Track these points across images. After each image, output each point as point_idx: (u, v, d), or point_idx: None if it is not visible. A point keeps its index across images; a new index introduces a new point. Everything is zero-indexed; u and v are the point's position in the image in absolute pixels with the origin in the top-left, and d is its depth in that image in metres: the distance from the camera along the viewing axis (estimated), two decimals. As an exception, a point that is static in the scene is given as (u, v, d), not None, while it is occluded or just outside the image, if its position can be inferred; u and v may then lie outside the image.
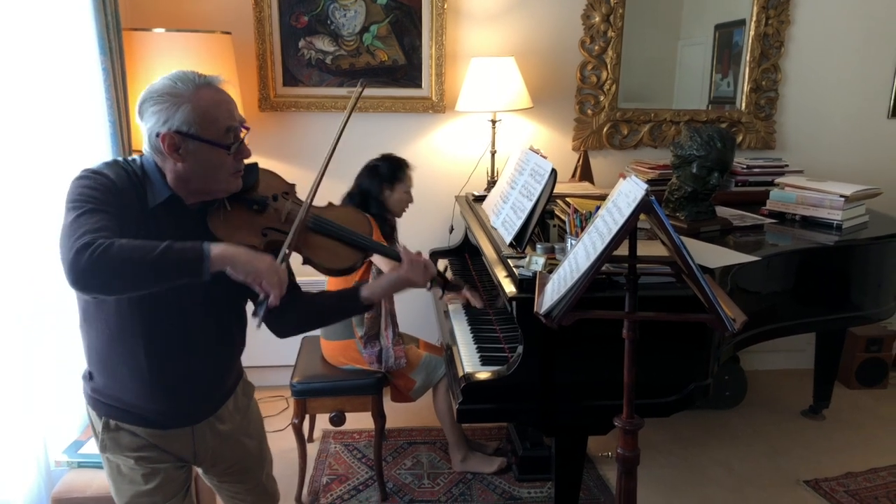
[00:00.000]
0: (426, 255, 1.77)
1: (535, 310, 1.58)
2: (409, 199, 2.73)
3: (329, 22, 3.23)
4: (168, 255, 1.23)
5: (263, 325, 1.46)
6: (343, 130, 1.66)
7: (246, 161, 1.49)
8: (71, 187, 1.34)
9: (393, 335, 2.62)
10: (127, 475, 1.56)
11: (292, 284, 1.60)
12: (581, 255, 1.53)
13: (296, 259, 1.55)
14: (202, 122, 1.38)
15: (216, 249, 1.27)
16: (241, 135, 1.45)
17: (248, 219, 1.51)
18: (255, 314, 1.35)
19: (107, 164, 1.41)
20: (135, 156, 1.47)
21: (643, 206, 1.38)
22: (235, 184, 1.48)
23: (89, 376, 1.55)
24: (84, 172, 1.37)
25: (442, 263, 3.20)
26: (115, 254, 1.20)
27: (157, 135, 1.38)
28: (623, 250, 1.48)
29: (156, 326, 1.45)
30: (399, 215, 2.73)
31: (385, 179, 2.65)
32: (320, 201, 1.70)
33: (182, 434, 1.58)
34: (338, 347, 2.67)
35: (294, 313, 1.60)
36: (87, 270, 1.19)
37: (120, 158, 1.46)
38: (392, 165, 2.69)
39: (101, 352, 1.49)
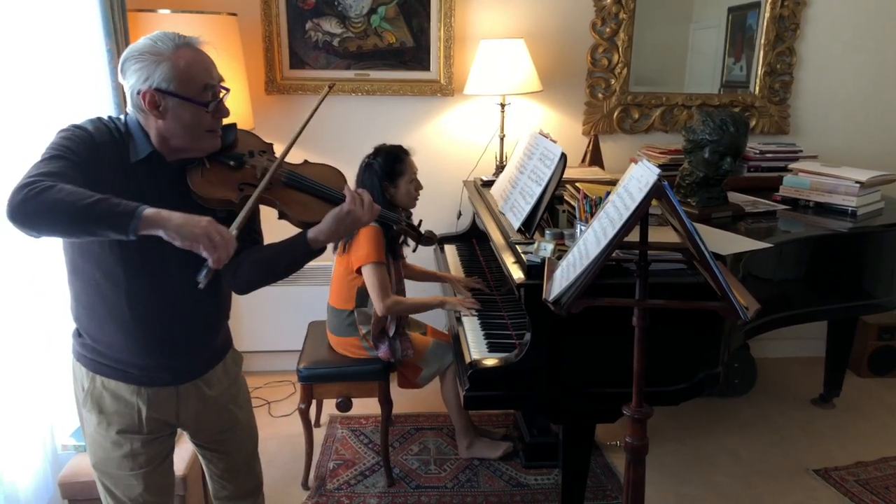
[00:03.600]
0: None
1: (543, 297, 1.55)
2: (418, 187, 2.57)
3: (336, 3, 3.18)
4: (100, 205, 1.25)
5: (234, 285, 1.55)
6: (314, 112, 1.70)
7: (225, 121, 1.54)
8: (54, 137, 1.40)
9: (397, 328, 2.57)
10: (97, 438, 1.60)
11: (251, 238, 1.63)
12: (591, 241, 1.51)
13: (271, 213, 1.60)
14: (181, 79, 1.43)
15: (150, 211, 1.27)
16: (220, 94, 1.50)
17: (225, 175, 1.55)
18: (197, 277, 1.35)
19: (90, 120, 1.47)
20: (122, 115, 1.53)
21: (655, 192, 1.35)
22: (213, 143, 1.53)
23: (77, 333, 1.59)
24: (67, 126, 1.43)
25: (450, 249, 3.18)
26: (51, 195, 1.23)
27: (139, 92, 1.43)
28: (634, 236, 1.45)
29: (136, 276, 1.49)
30: (412, 206, 2.57)
31: (384, 177, 2.48)
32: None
33: (166, 394, 1.61)
34: (342, 343, 2.65)
35: (246, 266, 1.58)
36: (18, 206, 1.23)
37: (105, 116, 1.51)
38: (388, 160, 2.50)
39: (87, 305, 1.53)
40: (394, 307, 2.48)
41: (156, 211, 1.28)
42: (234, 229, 1.39)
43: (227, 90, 1.52)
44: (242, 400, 1.80)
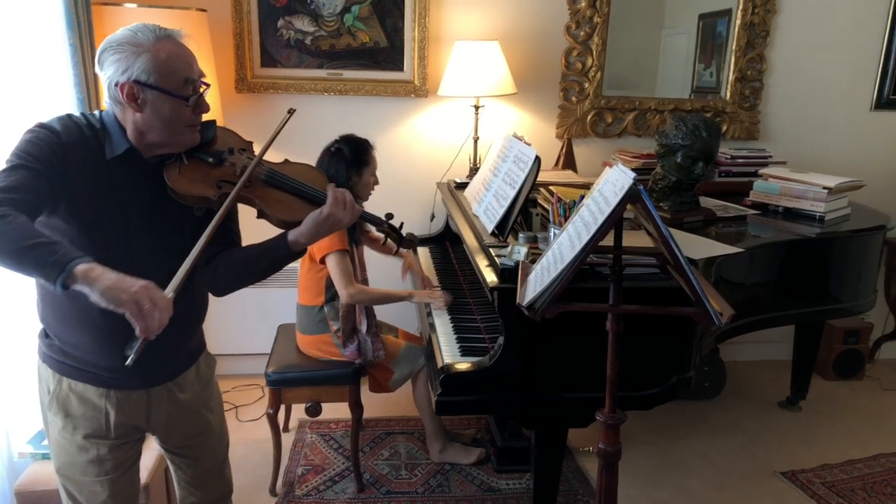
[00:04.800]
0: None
1: (517, 301, 1.53)
2: (376, 182, 2.57)
3: (309, 1, 3.14)
4: (35, 250, 1.18)
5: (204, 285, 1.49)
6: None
7: (204, 117, 1.51)
8: (19, 139, 1.35)
9: (368, 326, 2.55)
10: (61, 442, 1.55)
11: (229, 239, 1.59)
12: (566, 244, 1.49)
13: (249, 212, 1.55)
14: (161, 72, 1.39)
15: (81, 267, 1.18)
16: (201, 89, 1.47)
17: (203, 171, 1.51)
18: (125, 351, 1.23)
19: (59, 118, 1.41)
20: (97, 110, 1.48)
21: (630, 196, 1.34)
22: (193, 138, 1.49)
23: (44, 334, 1.54)
24: (33, 126, 1.38)
25: (423, 251, 3.16)
26: None
27: (116, 84, 1.39)
28: (608, 241, 1.44)
29: None
30: (366, 199, 2.56)
31: (351, 165, 2.47)
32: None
33: (137, 398, 1.56)
34: (313, 342, 2.60)
35: (224, 268, 1.54)
36: None
37: (77, 112, 1.46)
38: (356, 148, 2.49)
39: (55, 305, 1.48)
40: (358, 295, 2.46)
41: (88, 268, 1.18)
42: (170, 292, 1.27)
43: (208, 85, 1.49)
44: (215, 404, 1.76)
